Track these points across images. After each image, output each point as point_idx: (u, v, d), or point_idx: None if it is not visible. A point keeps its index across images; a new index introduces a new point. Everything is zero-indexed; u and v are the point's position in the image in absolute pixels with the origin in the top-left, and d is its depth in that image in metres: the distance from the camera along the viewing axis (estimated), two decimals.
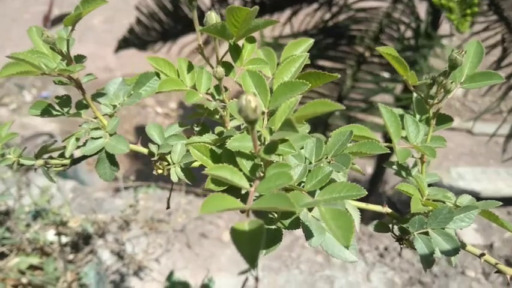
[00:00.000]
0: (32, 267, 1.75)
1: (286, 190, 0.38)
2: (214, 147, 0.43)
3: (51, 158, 0.47)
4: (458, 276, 2.19)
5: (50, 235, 1.83)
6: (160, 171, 0.46)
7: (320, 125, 2.59)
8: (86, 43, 5.80)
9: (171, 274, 1.32)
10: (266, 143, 0.33)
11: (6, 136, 0.44)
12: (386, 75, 2.52)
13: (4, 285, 1.68)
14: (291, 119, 0.27)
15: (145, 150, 0.48)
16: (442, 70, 0.50)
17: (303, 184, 0.38)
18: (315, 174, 0.37)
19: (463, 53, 0.48)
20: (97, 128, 0.44)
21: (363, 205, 0.54)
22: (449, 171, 3.74)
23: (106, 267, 2.13)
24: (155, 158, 0.46)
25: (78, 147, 0.46)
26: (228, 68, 0.48)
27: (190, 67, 0.49)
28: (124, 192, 2.65)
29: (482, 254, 0.59)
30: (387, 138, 0.57)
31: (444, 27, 2.56)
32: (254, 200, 0.34)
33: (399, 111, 0.60)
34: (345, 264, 2.27)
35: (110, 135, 0.45)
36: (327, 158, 0.43)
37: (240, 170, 0.33)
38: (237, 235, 0.25)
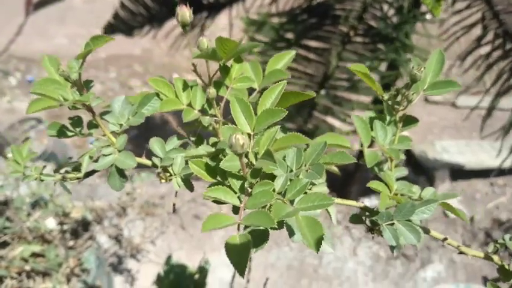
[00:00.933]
0: (34, 255, 1.83)
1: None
2: (209, 161, 0.50)
3: (67, 172, 0.54)
4: (440, 249, 2.33)
5: (50, 223, 1.90)
6: (163, 180, 0.54)
7: (307, 103, 2.66)
8: (68, 25, 5.74)
9: (169, 258, 1.41)
10: (253, 162, 0.40)
11: (27, 156, 0.51)
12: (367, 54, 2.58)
13: (8, 273, 1.76)
14: (271, 151, 0.35)
15: (149, 163, 0.55)
16: (405, 83, 0.58)
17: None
18: (294, 185, 0.45)
19: (422, 69, 0.55)
20: (107, 146, 0.51)
21: (339, 200, 0.63)
22: (433, 145, 3.86)
23: (105, 250, 2.22)
24: (159, 170, 0.53)
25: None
26: (219, 86, 0.55)
27: (185, 86, 0.55)
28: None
29: (445, 239, 0.68)
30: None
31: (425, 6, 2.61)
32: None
33: (371, 113, 0.67)
34: (333, 240, 2.39)
35: (119, 151, 0.52)
36: (305, 166, 0.51)
37: (231, 188, 0.41)
38: (229, 247, 0.32)
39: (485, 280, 2.23)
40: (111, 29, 3.11)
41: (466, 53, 2.33)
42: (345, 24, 2.57)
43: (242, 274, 0.31)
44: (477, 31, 2.35)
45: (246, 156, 0.44)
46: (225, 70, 0.54)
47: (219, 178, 0.50)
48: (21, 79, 4.81)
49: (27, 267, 1.81)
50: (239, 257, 0.31)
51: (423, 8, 2.57)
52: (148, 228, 2.32)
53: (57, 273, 1.82)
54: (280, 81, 0.56)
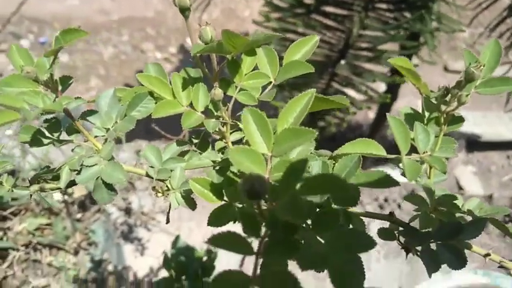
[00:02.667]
0: (41, 228, 1.79)
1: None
2: (215, 177, 0.41)
3: (46, 182, 0.45)
4: None
5: (57, 195, 1.85)
6: (159, 194, 0.45)
7: (326, 73, 2.52)
8: None
9: (177, 238, 1.35)
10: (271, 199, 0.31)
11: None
12: (391, 15, 2.40)
13: (15, 245, 1.73)
14: (298, 200, 0.25)
15: (143, 172, 0.46)
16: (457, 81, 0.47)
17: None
18: (323, 218, 0.35)
19: (481, 67, 0.44)
20: (90, 156, 0.42)
21: (369, 215, 0.53)
22: None
23: (114, 220, 2.19)
24: (153, 183, 0.44)
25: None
26: (227, 84, 0.45)
27: (186, 83, 0.45)
28: (126, 146, 2.65)
29: (487, 254, 0.59)
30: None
31: None
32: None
33: (407, 109, 0.57)
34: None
35: (106, 160, 0.43)
36: None
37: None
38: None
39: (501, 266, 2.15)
40: None
41: (495, 22, 2.16)
42: None
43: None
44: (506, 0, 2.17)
45: None
46: (233, 65, 0.43)
47: (226, 199, 0.41)
48: (34, 41, 4.70)
49: (34, 240, 1.78)
50: None
51: None
52: (158, 202, 2.27)
53: (65, 245, 1.79)
54: (303, 75, 0.46)
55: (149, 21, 5.15)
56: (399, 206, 2.61)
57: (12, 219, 1.77)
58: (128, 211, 2.27)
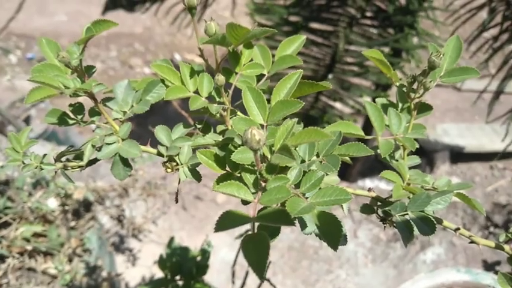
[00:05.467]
0: (35, 235, 1.82)
1: None
2: (217, 151, 0.48)
3: (68, 160, 0.52)
4: (440, 231, 2.33)
5: (52, 203, 1.89)
6: (169, 170, 0.52)
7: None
8: (68, 1, 5.63)
9: (171, 240, 1.40)
10: (267, 156, 0.38)
11: (25, 144, 0.49)
12: (374, 31, 2.52)
13: (10, 253, 1.76)
14: (288, 146, 0.32)
15: (154, 151, 0.52)
16: (422, 70, 0.55)
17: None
18: (309, 178, 0.42)
19: (441, 56, 0.52)
20: (110, 134, 0.49)
21: (350, 190, 0.61)
22: (434, 128, 3.85)
23: (106, 230, 2.22)
24: (165, 159, 0.51)
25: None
26: (228, 73, 0.52)
27: (192, 72, 0.53)
28: None
29: (457, 229, 0.66)
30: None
31: None
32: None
33: (383, 100, 0.65)
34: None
35: (123, 139, 0.50)
36: (319, 156, 0.49)
37: (243, 181, 0.39)
38: (246, 248, 0.30)
39: (485, 263, 2.23)
40: (113, 4, 3.04)
41: (472, 36, 2.28)
42: (353, 6, 2.50)
43: (261, 275, 0.29)
44: (483, 14, 2.30)
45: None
46: (234, 56, 0.51)
47: (228, 169, 0.48)
48: (22, 57, 4.75)
49: (29, 247, 1.81)
50: (258, 257, 0.29)
51: None
52: (150, 209, 2.31)
53: (59, 253, 1.82)
54: (294, 68, 0.54)
55: (137, 37, 5.24)
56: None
57: (7, 227, 1.80)
58: (120, 220, 2.31)
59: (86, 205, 1.90)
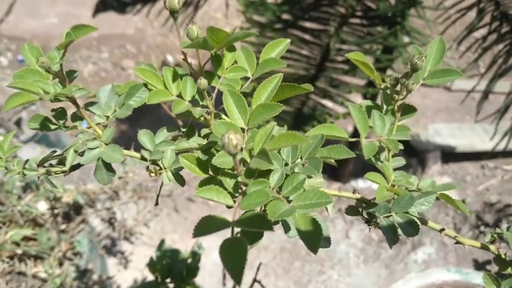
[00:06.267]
0: (26, 239, 1.81)
1: None
2: (200, 155, 0.48)
3: (51, 166, 0.51)
4: (431, 231, 2.34)
5: (42, 206, 1.88)
6: (153, 174, 0.52)
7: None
8: (59, 4, 5.59)
9: (162, 242, 1.40)
10: (247, 160, 0.38)
11: (8, 149, 0.48)
12: (365, 29, 2.53)
13: None
14: (266, 151, 0.33)
15: (138, 156, 0.52)
16: (404, 72, 0.55)
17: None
18: (290, 181, 0.43)
19: (423, 58, 0.53)
20: (93, 139, 0.48)
21: (335, 192, 0.61)
22: (426, 128, 3.87)
23: (98, 233, 2.21)
24: (149, 163, 0.51)
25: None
26: (211, 76, 0.52)
27: (175, 76, 0.53)
28: None
29: (442, 229, 0.67)
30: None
31: None
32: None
33: (368, 102, 0.65)
34: (325, 223, 2.40)
35: (106, 144, 0.49)
36: (301, 159, 0.49)
37: (224, 186, 0.39)
38: (224, 253, 0.30)
39: (475, 263, 2.25)
40: (103, 6, 3.03)
41: (462, 36, 2.30)
42: (343, 5, 2.51)
43: (238, 281, 0.30)
44: (473, 14, 2.32)
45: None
46: (216, 59, 0.51)
47: (211, 173, 0.48)
48: (13, 59, 4.71)
49: (19, 251, 1.79)
50: (235, 263, 0.30)
51: None
52: (141, 211, 2.30)
53: (50, 256, 1.80)
54: (276, 72, 0.54)
55: (129, 39, 5.22)
56: None
57: None
58: (111, 223, 2.30)
59: (77, 208, 1.89)
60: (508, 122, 2.29)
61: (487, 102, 2.44)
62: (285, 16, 2.40)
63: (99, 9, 3.06)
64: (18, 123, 3.37)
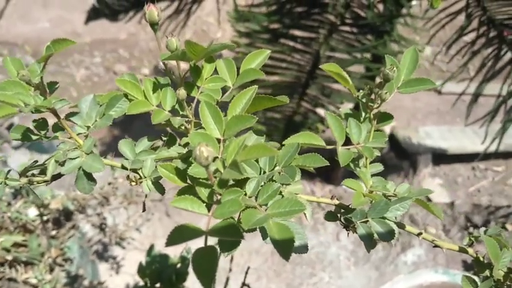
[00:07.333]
0: (16, 245, 1.81)
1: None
2: (180, 164, 0.49)
3: (33, 175, 0.52)
4: None
5: (32, 213, 1.88)
6: (133, 183, 0.53)
7: (297, 93, 2.65)
8: (51, 8, 5.59)
9: (151, 248, 1.41)
10: (221, 170, 0.40)
11: None
12: (354, 37, 2.56)
13: None
14: (237, 162, 0.34)
15: (118, 165, 0.54)
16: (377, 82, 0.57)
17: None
18: (266, 190, 0.44)
19: (394, 69, 0.55)
20: (74, 149, 0.50)
21: (314, 199, 0.63)
22: (417, 131, 3.91)
23: (89, 239, 2.21)
24: (128, 172, 0.52)
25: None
26: (191, 87, 0.54)
27: (155, 87, 0.54)
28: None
29: (420, 233, 0.69)
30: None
31: None
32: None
33: (347, 110, 0.67)
34: (316, 226, 2.41)
35: (87, 154, 0.51)
36: (279, 167, 0.51)
37: (199, 197, 0.40)
38: (195, 261, 0.32)
39: (464, 264, 2.28)
40: (95, 13, 3.03)
41: (451, 40, 2.33)
42: (333, 13, 2.54)
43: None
44: (463, 18, 2.35)
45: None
46: (195, 71, 0.52)
47: (189, 182, 0.49)
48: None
49: (9, 257, 1.79)
50: (205, 272, 0.31)
51: None
52: (132, 216, 2.31)
53: (40, 262, 1.80)
54: (262, 81, 0.55)
55: (121, 43, 5.22)
56: None
57: None
58: (102, 228, 2.30)
59: (67, 214, 1.89)
60: (498, 124, 2.32)
61: (477, 105, 2.47)
62: (275, 25, 2.42)
63: (91, 17, 3.05)
64: (10, 128, 3.36)
